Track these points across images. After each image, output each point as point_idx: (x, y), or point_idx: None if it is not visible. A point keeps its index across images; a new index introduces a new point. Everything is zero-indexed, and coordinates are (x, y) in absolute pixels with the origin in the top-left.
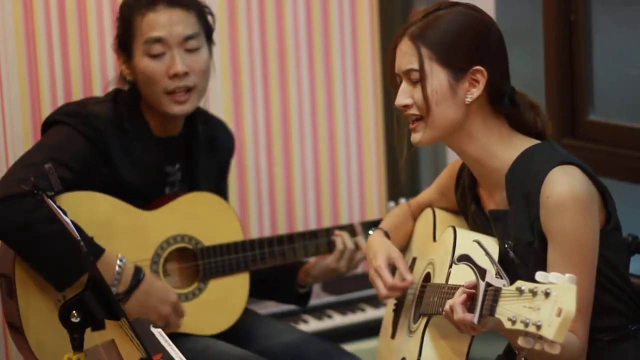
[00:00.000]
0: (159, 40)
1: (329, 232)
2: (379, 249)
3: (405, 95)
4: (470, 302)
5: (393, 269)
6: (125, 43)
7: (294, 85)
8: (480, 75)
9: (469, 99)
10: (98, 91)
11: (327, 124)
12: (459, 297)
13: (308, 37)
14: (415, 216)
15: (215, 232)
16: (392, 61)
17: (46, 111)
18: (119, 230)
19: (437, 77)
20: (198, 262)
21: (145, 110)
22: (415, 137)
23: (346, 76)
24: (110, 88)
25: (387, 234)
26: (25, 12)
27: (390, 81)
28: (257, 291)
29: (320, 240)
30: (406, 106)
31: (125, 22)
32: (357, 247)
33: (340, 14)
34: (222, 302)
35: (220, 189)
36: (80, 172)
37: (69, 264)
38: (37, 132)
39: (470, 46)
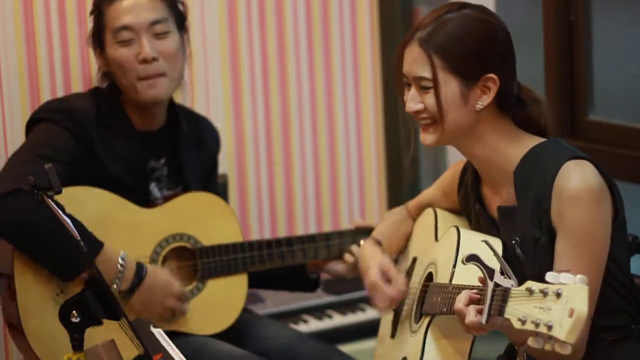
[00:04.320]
0: (126, 27)
1: (327, 236)
2: (370, 261)
3: (415, 101)
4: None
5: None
6: (98, 35)
7: (294, 85)
8: (492, 82)
9: (479, 106)
10: None
11: (327, 124)
12: (465, 298)
13: (308, 37)
14: (414, 216)
15: (214, 232)
16: (399, 62)
17: None
18: (118, 227)
19: (449, 86)
20: (196, 262)
21: (125, 104)
22: (427, 138)
23: (346, 76)
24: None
25: (379, 242)
26: (25, 12)
27: (396, 81)
28: (273, 282)
29: (318, 244)
30: (417, 112)
31: (96, 15)
32: None
33: (340, 14)
34: (221, 302)
35: (209, 186)
36: (72, 165)
37: (74, 254)
38: None
39: (481, 54)
